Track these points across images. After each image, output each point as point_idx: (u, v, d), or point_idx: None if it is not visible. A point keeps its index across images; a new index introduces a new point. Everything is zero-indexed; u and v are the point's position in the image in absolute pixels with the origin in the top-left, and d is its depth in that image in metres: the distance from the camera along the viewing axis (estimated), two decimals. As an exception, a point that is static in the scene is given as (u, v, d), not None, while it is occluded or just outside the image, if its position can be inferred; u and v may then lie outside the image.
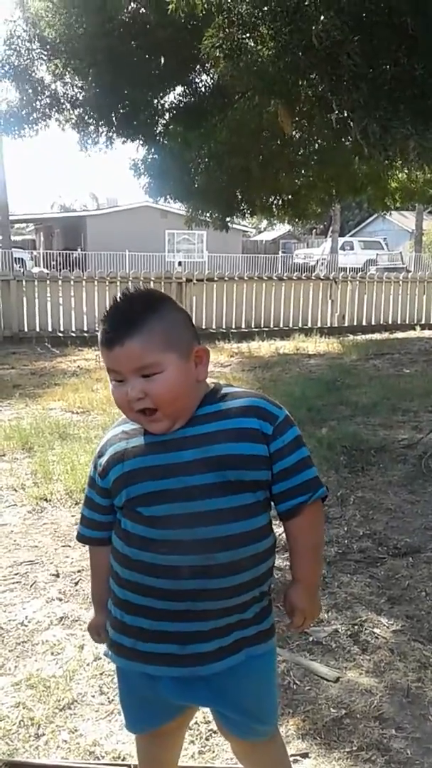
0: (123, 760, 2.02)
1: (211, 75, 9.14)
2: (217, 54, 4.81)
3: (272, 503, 1.42)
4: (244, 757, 1.66)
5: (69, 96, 9.27)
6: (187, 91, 9.60)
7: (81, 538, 1.54)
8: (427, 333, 12.20)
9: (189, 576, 1.31)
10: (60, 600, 2.96)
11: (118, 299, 1.35)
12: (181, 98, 9.65)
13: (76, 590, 3.04)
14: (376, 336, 12.04)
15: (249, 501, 1.35)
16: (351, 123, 4.43)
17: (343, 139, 6.21)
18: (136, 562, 1.35)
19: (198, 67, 9.05)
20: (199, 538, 1.30)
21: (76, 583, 3.10)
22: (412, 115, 4.18)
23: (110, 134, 9.32)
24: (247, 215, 11.53)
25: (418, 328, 12.69)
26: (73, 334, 11.02)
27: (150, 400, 1.31)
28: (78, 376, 8.15)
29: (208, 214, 10.44)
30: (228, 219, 10.43)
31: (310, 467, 1.42)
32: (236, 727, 1.50)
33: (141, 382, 1.31)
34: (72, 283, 11.22)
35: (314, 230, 40.34)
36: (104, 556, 1.47)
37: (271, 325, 12.29)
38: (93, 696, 2.32)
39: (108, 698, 2.30)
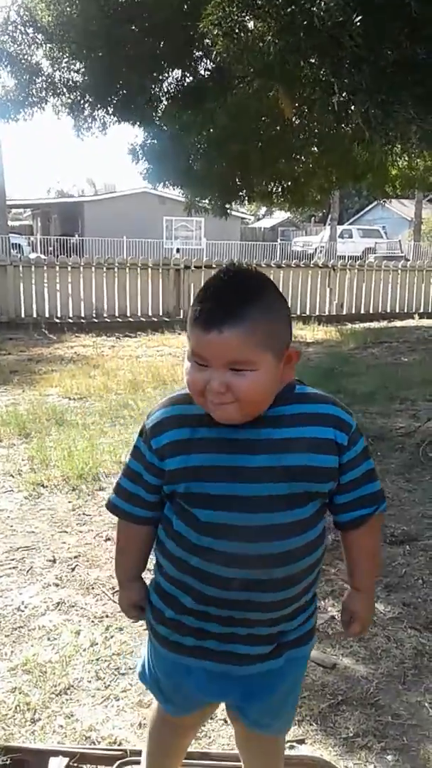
0: (119, 745, 2.02)
1: (211, 58, 9.05)
2: (216, 32, 4.72)
3: (330, 511, 1.37)
4: (246, 747, 1.62)
5: (65, 80, 9.16)
6: (186, 75, 9.50)
7: (115, 510, 1.41)
8: (425, 322, 12.18)
9: (240, 588, 1.26)
10: (56, 586, 2.96)
11: (225, 276, 1.21)
12: (179, 82, 9.55)
13: (73, 576, 3.03)
14: (375, 324, 12.01)
15: (310, 512, 1.28)
16: (352, 107, 4.37)
17: (343, 125, 6.14)
18: (185, 564, 1.30)
19: (197, 51, 8.96)
20: (258, 553, 1.24)
21: (73, 569, 3.09)
22: (413, 100, 4.12)
23: (105, 119, 9.23)
24: (246, 202, 11.46)
25: (416, 316, 12.67)
26: (70, 320, 10.98)
27: (232, 395, 1.18)
28: (75, 363, 8.12)
29: (207, 201, 10.36)
30: (227, 205, 10.35)
31: (375, 480, 1.36)
32: (254, 721, 1.48)
33: (228, 375, 1.18)
34: (69, 269, 11.16)
35: (313, 218, 40.19)
36: (140, 533, 1.41)
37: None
38: (89, 681, 2.31)
39: (104, 684, 2.30)
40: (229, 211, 10.89)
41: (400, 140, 4.79)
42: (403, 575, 3.06)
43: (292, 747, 2.04)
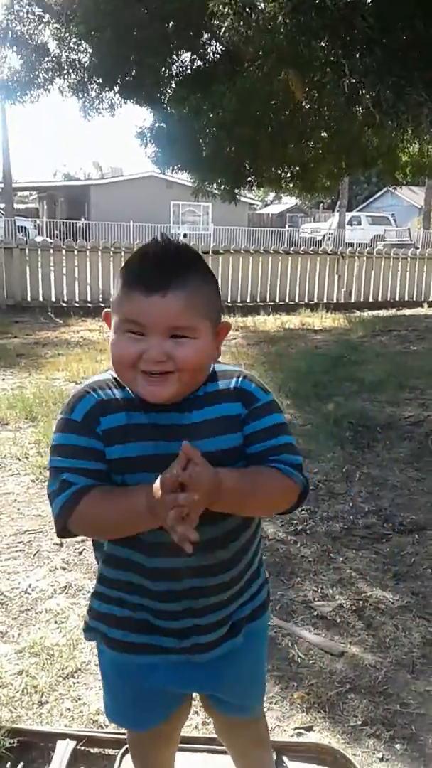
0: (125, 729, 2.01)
1: (220, 41, 8.95)
2: (226, 11, 4.65)
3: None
4: (232, 739, 1.60)
5: (71, 60, 9.08)
6: (195, 58, 9.40)
7: (76, 493, 1.15)
8: (434, 310, 12.10)
9: (189, 576, 1.24)
10: (64, 569, 2.95)
11: (161, 241, 1.18)
12: (188, 65, 9.46)
13: (80, 560, 3.02)
14: (383, 312, 11.94)
15: None
16: (363, 89, 4.31)
17: (354, 108, 6.06)
18: (126, 562, 1.25)
19: (206, 33, 8.85)
20: (203, 538, 1.13)
21: (80, 553, 3.08)
22: (425, 82, 4.06)
23: (113, 100, 9.15)
24: (254, 187, 11.37)
25: (425, 305, 12.58)
26: (77, 305, 10.94)
27: (173, 364, 1.14)
28: (81, 347, 8.10)
29: (215, 185, 10.28)
30: (236, 190, 10.27)
31: (296, 454, 1.27)
32: (227, 706, 1.47)
33: (168, 343, 1.14)
34: (76, 252, 11.11)
35: (321, 204, 39.92)
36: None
37: (277, 300, 12.19)
38: (96, 665, 2.29)
39: (111, 668, 2.29)
40: (237, 196, 10.81)
41: (411, 123, 4.73)
42: (412, 564, 3.04)
43: (299, 734, 2.03)
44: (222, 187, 10.32)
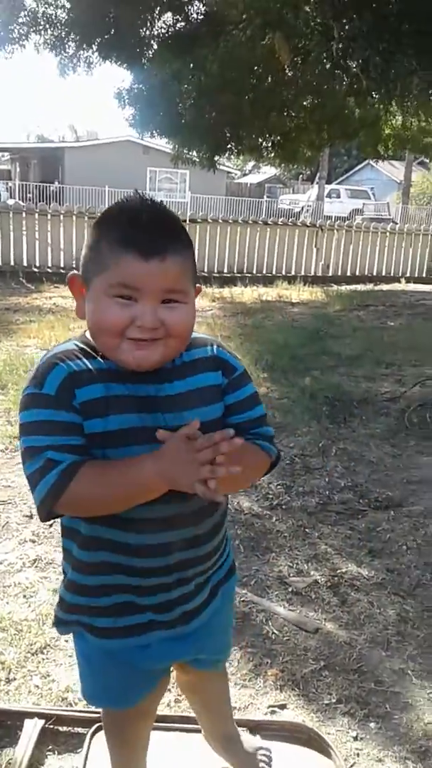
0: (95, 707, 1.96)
1: (204, 2, 8.69)
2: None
3: None
4: (201, 690, 1.59)
5: (48, 15, 8.73)
6: (178, 19, 9.11)
7: (71, 468, 1.07)
8: (411, 286, 12.09)
9: (180, 549, 1.22)
10: (33, 542, 2.87)
11: (144, 200, 1.12)
12: (170, 26, 9.17)
13: (50, 532, 2.95)
14: (361, 287, 11.90)
15: None
16: (351, 55, 4.18)
17: (339, 75, 5.93)
18: (110, 543, 1.18)
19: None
20: (192, 509, 1.19)
21: (50, 525, 3.00)
22: (416, 50, 3.95)
23: (91, 58, 8.85)
24: (235, 155, 11.17)
25: (403, 280, 12.57)
26: (49, 270, 10.68)
27: (164, 330, 1.10)
28: (54, 314, 7.93)
29: (194, 152, 10.08)
30: (216, 158, 10.08)
31: (267, 425, 1.29)
32: (203, 662, 1.46)
33: (161, 308, 1.10)
34: (49, 216, 10.82)
35: (301, 176, 39.60)
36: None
37: (254, 271, 12.07)
38: (66, 641, 2.24)
39: (82, 644, 2.23)
40: (217, 164, 10.62)
41: (399, 92, 4.62)
42: (387, 541, 3.03)
43: (273, 712, 2.01)
44: (201, 154, 10.12)
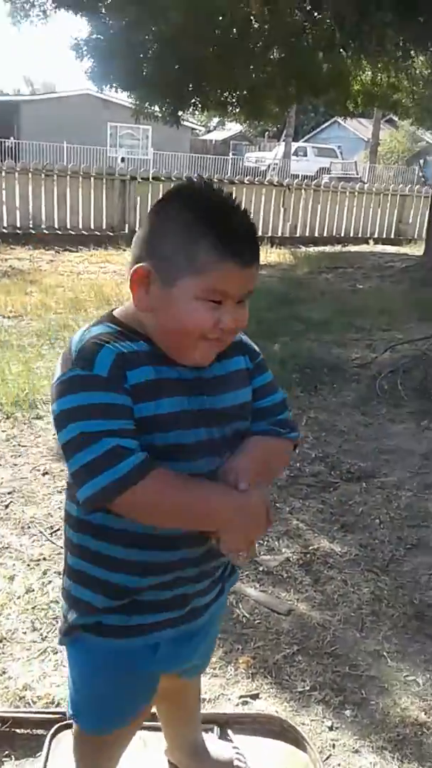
0: (57, 705, 1.84)
1: None
2: None
3: None
4: (182, 695, 1.51)
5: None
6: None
7: (145, 465, 1.02)
8: (380, 248, 11.95)
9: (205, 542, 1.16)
10: (-10, 525, 2.72)
11: (234, 204, 1.08)
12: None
13: (6, 514, 2.80)
14: (329, 248, 11.73)
15: None
16: (323, 5, 3.96)
17: (309, 27, 5.67)
18: (143, 537, 1.11)
19: None
20: None
21: (7, 506, 2.86)
22: (393, 3, 3.74)
23: (45, 5, 8.41)
24: (199, 110, 10.83)
25: (371, 242, 12.43)
26: (5, 230, 10.26)
27: (237, 329, 1.12)
28: (10, 277, 7.63)
29: (157, 106, 9.72)
30: (179, 113, 9.74)
31: (287, 409, 1.28)
32: (194, 666, 1.39)
33: (237, 308, 1.09)
34: (3, 174, 10.36)
35: (267, 133, 38.87)
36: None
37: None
38: (24, 633, 2.12)
39: (41, 635, 2.11)
40: (181, 119, 10.28)
41: (374, 45, 4.41)
42: (360, 514, 2.94)
43: (245, 703, 1.91)
44: (164, 109, 9.77)
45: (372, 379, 4.46)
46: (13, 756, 1.69)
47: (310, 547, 2.67)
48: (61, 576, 1.27)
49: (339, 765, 1.74)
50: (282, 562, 2.58)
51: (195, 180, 1.11)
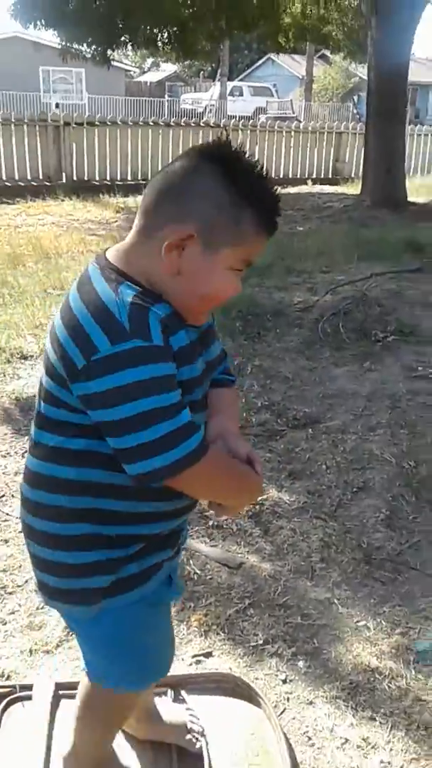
0: (6, 678, 1.81)
1: None
2: None
3: None
4: None
5: None
6: None
7: (204, 438, 1.09)
8: (318, 188, 11.84)
9: None
10: None
11: (267, 175, 1.09)
12: None
13: None
14: (267, 190, 11.55)
15: None
16: None
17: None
18: (157, 491, 1.11)
19: None
20: None
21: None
22: None
23: None
24: (129, 48, 10.40)
25: (309, 182, 12.30)
26: None
27: None
28: None
29: (85, 45, 9.26)
30: (108, 52, 9.31)
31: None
32: None
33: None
34: None
35: (202, 72, 37.79)
36: None
37: (158, 177, 11.49)
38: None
39: (-13, 607, 2.05)
40: (111, 59, 9.84)
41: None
42: (307, 461, 2.94)
43: (198, 662, 1.91)
44: (93, 48, 9.32)
45: (314, 322, 4.43)
46: (-39, 734, 1.64)
47: (259, 498, 2.65)
48: (34, 559, 1.22)
49: (294, 718, 1.75)
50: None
51: (226, 142, 1.09)
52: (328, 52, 26.86)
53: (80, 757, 1.43)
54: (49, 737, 1.60)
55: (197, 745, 1.58)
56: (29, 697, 1.71)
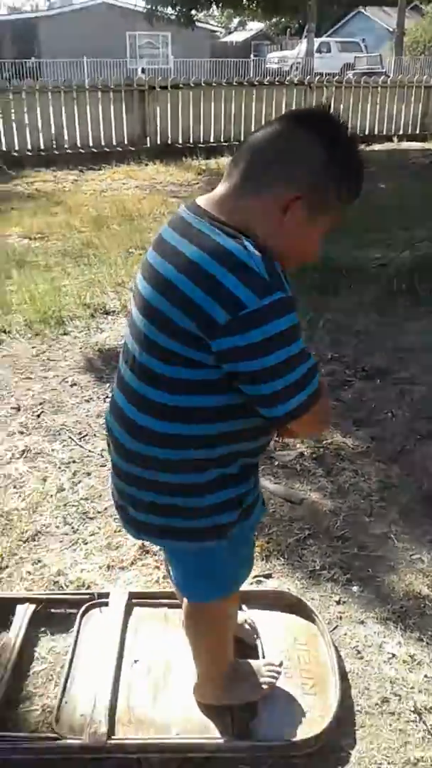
0: (87, 588, 2.03)
1: None
2: None
3: None
4: None
5: None
6: None
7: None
8: (405, 144, 11.52)
9: None
10: (21, 433, 2.89)
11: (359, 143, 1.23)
12: None
13: (38, 423, 2.96)
14: (352, 149, 11.31)
15: None
16: None
17: None
18: (262, 428, 1.28)
19: None
20: None
21: (38, 416, 3.02)
22: None
23: None
24: (213, 8, 10.36)
25: (395, 139, 11.95)
26: (29, 153, 10.13)
27: None
28: (36, 200, 7.62)
29: (169, 8, 9.32)
30: (193, 12, 9.33)
31: None
32: None
33: None
34: (23, 95, 10.12)
35: (289, 29, 36.81)
36: None
37: (242, 138, 11.44)
38: (57, 527, 2.30)
39: (72, 528, 2.29)
40: (195, 20, 9.85)
41: None
42: (373, 409, 3.03)
43: (259, 582, 2.07)
44: (177, 9, 9.36)
45: (390, 279, 4.44)
46: (48, 632, 1.88)
47: (323, 442, 2.78)
48: (162, 508, 1.29)
49: (345, 635, 1.89)
50: (296, 456, 2.70)
51: (329, 111, 1.22)
52: (420, 3, 25.55)
53: (214, 679, 1.59)
54: (122, 641, 1.80)
55: (255, 638, 1.77)
56: (106, 604, 1.93)
